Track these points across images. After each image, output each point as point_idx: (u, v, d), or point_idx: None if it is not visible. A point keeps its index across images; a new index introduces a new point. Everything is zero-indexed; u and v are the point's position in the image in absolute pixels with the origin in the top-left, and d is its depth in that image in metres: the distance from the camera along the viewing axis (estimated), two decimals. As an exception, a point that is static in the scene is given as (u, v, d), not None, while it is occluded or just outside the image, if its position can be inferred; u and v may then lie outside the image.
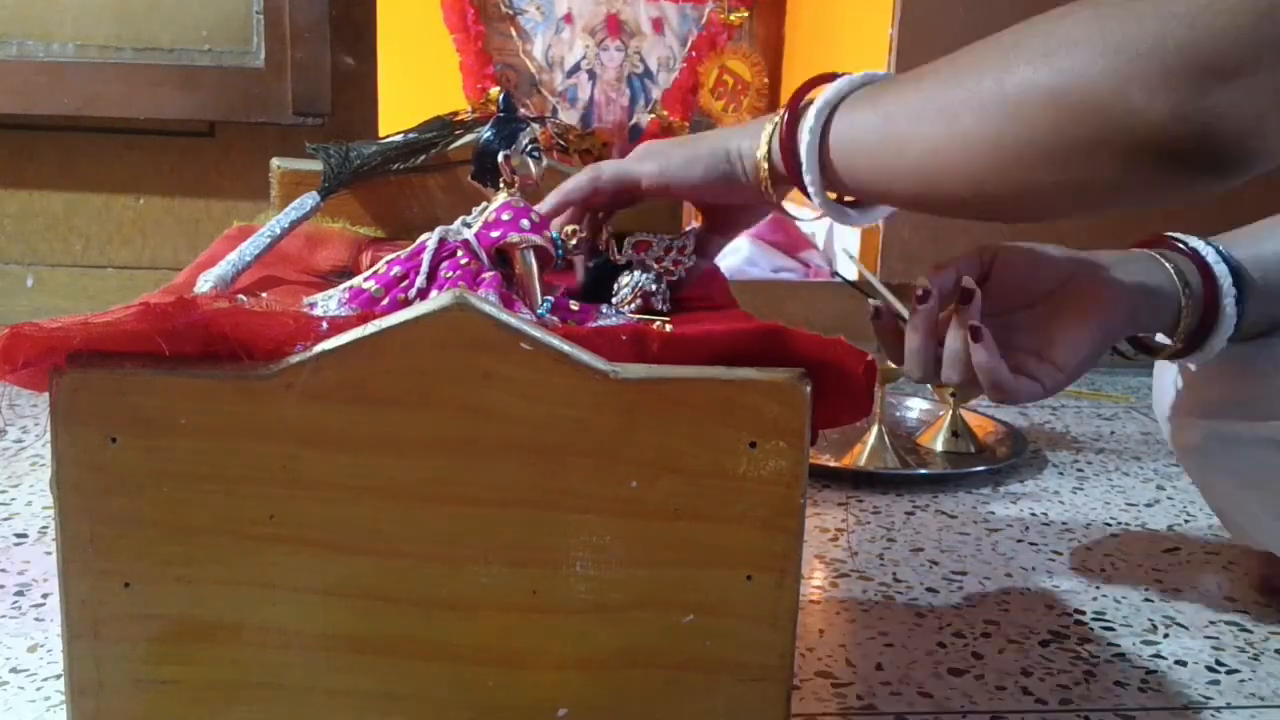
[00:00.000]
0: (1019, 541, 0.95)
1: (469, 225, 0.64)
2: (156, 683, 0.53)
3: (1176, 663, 0.75)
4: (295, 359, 0.50)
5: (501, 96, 0.70)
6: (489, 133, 0.66)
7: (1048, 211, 0.60)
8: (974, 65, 0.58)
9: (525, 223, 0.63)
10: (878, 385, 1.07)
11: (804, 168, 0.64)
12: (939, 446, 1.16)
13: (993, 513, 1.01)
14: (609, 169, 0.72)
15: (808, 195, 0.66)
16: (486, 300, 0.51)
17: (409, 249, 0.64)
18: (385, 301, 0.61)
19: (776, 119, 0.67)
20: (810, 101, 0.65)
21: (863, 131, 0.62)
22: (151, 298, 0.55)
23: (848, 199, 0.69)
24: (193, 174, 1.47)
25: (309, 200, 0.79)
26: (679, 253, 0.71)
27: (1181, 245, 0.69)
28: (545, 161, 0.67)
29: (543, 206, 0.71)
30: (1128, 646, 0.77)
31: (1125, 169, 0.54)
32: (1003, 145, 0.56)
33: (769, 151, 0.66)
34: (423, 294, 0.61)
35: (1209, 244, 0.70)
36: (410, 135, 0.86)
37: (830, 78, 0.65)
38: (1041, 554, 0.92)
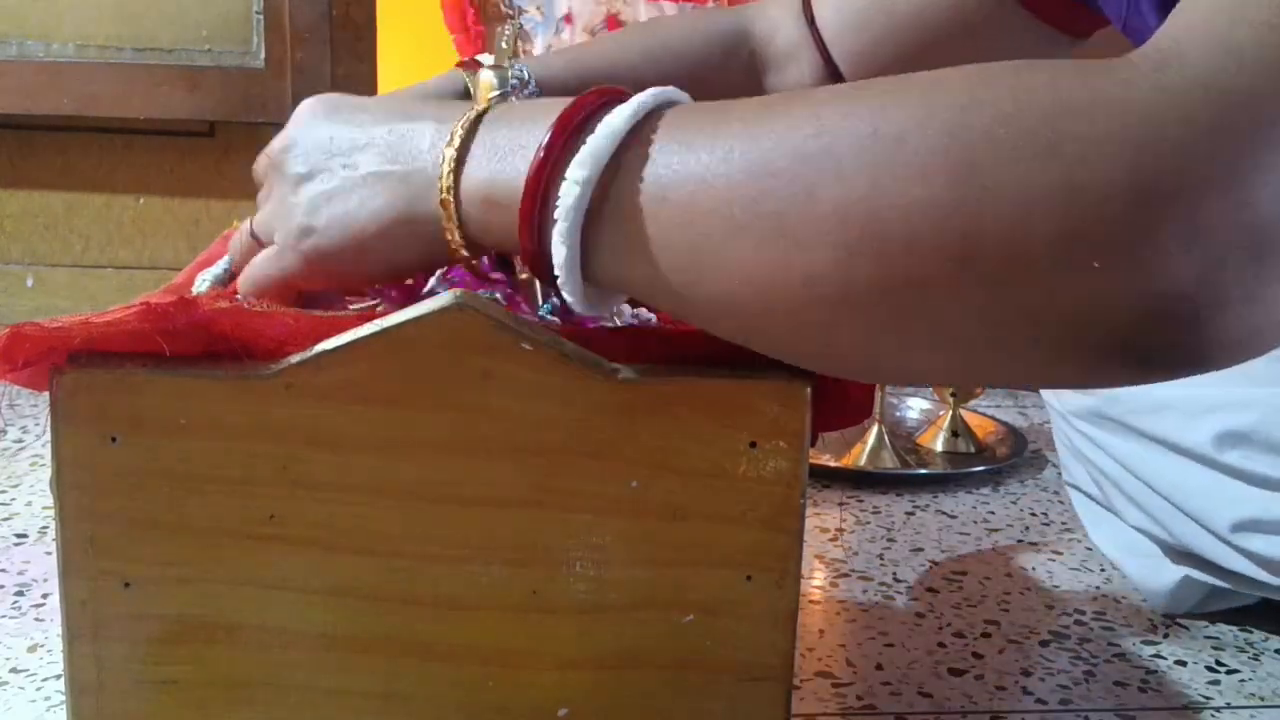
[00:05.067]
0: (1019, 541, 0.95)
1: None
2: (156, 683, 0.53)
3: (1176, 663, 0.75)
4: (295, 359, 0.50)
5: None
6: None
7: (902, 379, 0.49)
8: (801, 163, 0.40)
9: None
10: (877, 386, 1.07)
11: (560, 221, 0.44)
12: (939, 446, 1.16)
13: (993, 513, 1.01)
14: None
15: (535, 273, 0.48)
16: (487, 300, 0.51)
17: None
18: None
19: (456, 132, 0.47)
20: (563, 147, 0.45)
21: (656, 224, 0.44)
22: (152, 297, 0.55)
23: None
24: (193, 174, 1.47)
25: (309, 200, 0.78)
26: None
27: None
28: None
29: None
30: (1128, 646, 0.77)
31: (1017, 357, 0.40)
32: (852, 285, 0.40)
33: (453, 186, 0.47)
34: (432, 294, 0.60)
35: None
36: (410, 135, 0.85)
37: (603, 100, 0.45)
38: (1041, 554, 0.92)
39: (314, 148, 0.52)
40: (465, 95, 0.68)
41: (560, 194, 0.44)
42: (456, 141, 0.48)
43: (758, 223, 0.41)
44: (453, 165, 0.47)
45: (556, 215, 0.44)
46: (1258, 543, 0.71)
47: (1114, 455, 0.80)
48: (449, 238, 0.49)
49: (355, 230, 0.51)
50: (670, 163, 0.43)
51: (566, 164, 0.44)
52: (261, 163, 0.56)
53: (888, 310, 0.40)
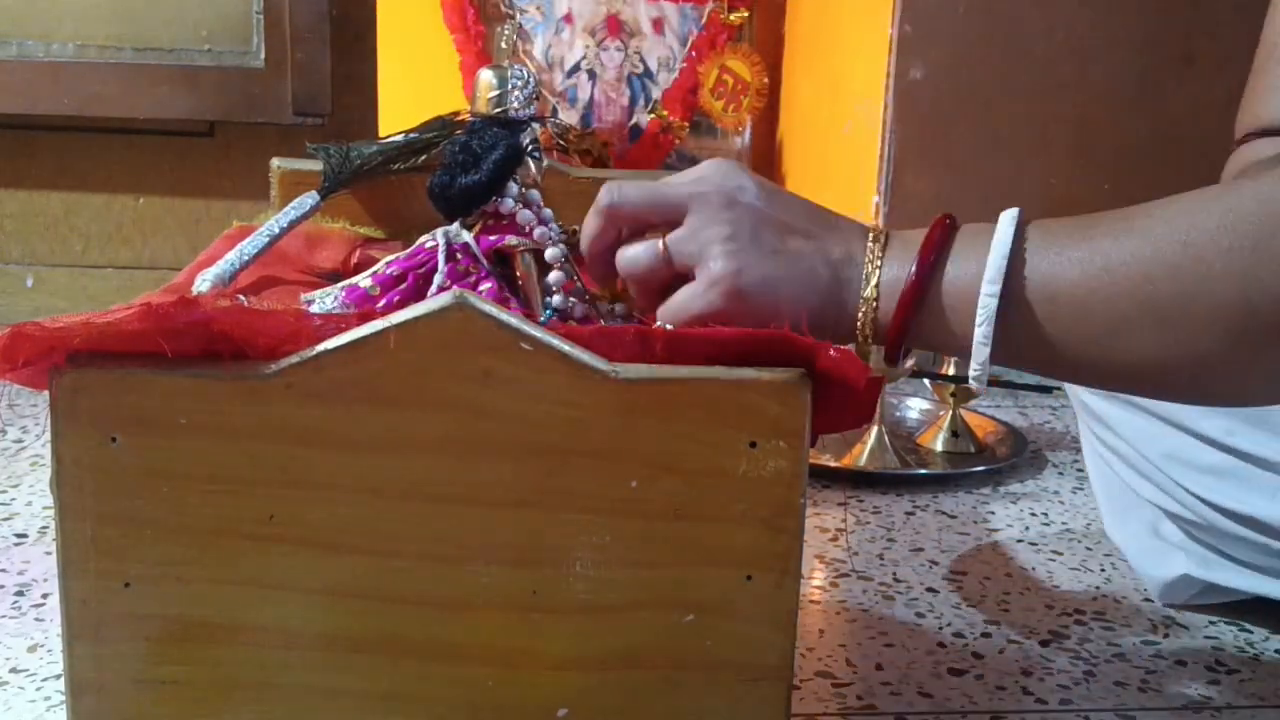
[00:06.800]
0: (1019, 541, 0.95)
1: (469, 227, 0.64)
2: (156, 683, 0.53)
3: (1176, 663, 0.75)
4: (295, 359, 0.50)
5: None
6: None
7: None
8: (1197, 217, 0.52)
9: None
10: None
11: (980, 326, 0.55)
12: (939, 446, 1.16)
13: (993, 513, 1.01)
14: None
15: (944, 353, 0.57)
16: (487, 300, 0.51)
17: (408, 250, 0.64)
18: (381, 303, 0.61)
19: (872, 257, 0.57)
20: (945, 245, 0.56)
21: (1078, 287, 0.54)
22: (152, 298, 0.55)
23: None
24: (193, 174, 1.47)
25: (309, 200, 0.79)
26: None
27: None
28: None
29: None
30: (1128, 646, 0.77)
31: None
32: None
33: (876, 296, 0.57)
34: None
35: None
36: (410, 135, 0.86)
37: (946, 225, 0.56)
38: (1041, 554, 0.92)
39: (749, 209, 0.57)
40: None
41: (980, 306, 0.54)
42: (878, 251, 0.57)
43: (1146, 318, 0.52)
44: (877, 269, 0.57)
45: (979, 321, 0.54)
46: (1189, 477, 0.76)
47: (1122, 434, 0.81)
48: (860, 327, 0.57)
49: (780, 295, 0.56)
50: (1055, 271, 0.54)
51: (938, 276, 0.55)
52: (685, 191, 0.58)
53: (1269, 363, 0.52)
